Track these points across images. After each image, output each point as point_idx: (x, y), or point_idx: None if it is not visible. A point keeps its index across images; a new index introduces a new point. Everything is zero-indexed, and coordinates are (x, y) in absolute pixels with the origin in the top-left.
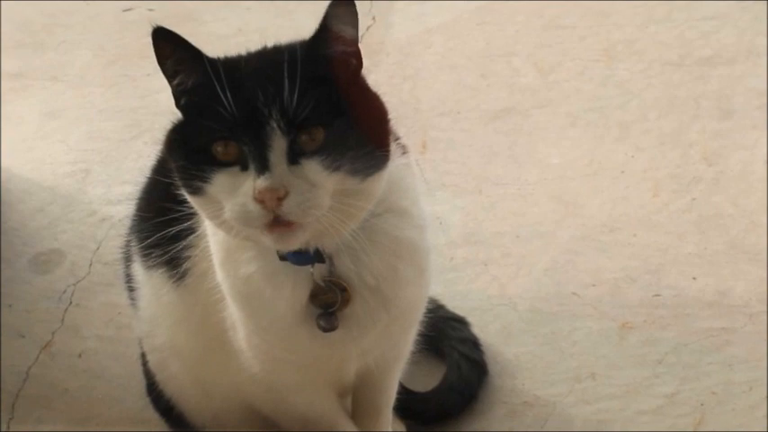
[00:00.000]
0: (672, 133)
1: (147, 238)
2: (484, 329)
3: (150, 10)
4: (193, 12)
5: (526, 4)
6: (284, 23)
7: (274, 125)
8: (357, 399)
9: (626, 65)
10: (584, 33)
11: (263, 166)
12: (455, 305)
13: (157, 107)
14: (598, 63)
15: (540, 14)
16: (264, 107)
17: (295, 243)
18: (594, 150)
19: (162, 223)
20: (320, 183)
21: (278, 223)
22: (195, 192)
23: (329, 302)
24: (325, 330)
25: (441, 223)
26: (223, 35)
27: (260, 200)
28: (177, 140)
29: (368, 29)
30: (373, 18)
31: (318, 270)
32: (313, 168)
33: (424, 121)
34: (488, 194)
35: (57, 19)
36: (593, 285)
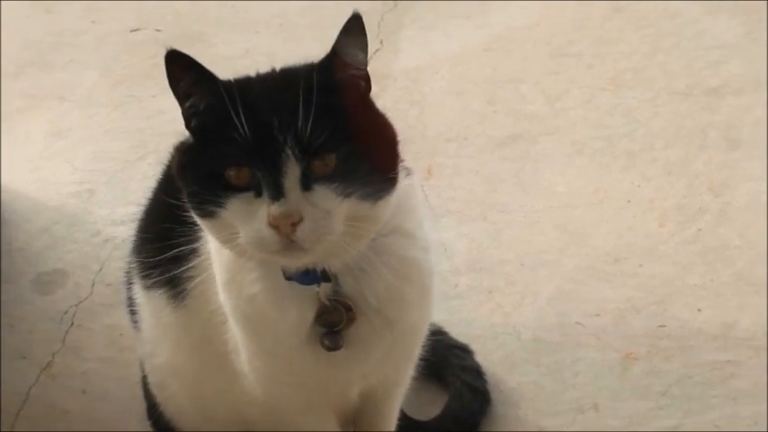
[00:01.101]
0: (678, 163)
1: (148, 258)
2: (487, 358)
3: (158, 31)
4: (201, 34)
5: (533, 31)
6: (292, 48)
7: (289, 152)
8: (358, 423)
9: (633, 93)
10: (591, 61)
11: (278, 193)
12: (459, 332)
13: (163, 128)
14: (605, 91)
15: (547, 42)
16: (279, 134)
17: (305, 261)
18: (601, 179)
19: (162, 243)
20: (333, 208)
21: (291, 251)
22: (208, 216)
23: (334, 322)
24: (330, 349)
25: (445, 250)
26: (230, 57)
27: (275, 226)
28: (188, 164)
29: (375, 53)
30: (381, 42)
31: (324, 289)
32: (326, 194)
33: (430, 146)
34: (493, 221)
35: (64, 38)
36: (598, 315)
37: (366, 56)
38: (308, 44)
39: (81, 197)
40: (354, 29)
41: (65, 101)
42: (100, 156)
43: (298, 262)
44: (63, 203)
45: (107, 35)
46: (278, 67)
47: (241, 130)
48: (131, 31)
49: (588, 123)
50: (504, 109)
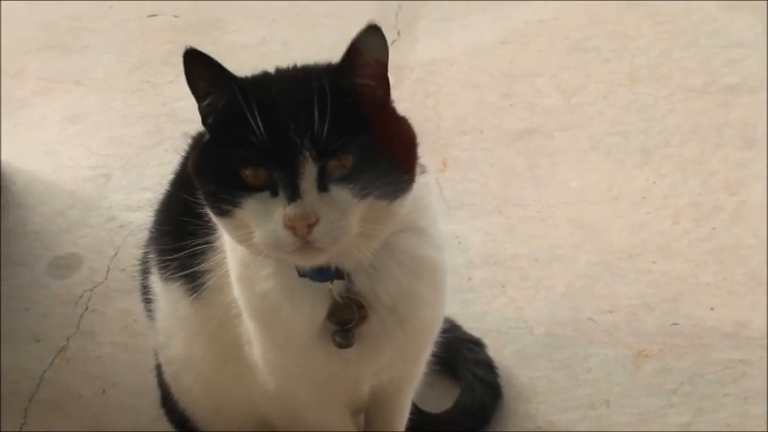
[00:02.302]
0: (694, 160)
1: (166, 250)
2: (499, 352)
3: (175, 16)
4: (218, 20)
5: (551, 25)
6: (308, 36)
7: (306, 154)
8: (370, 417)
9: (649, 90)
10: (608, 56)
11: (294, 194)
12: (471, 326)
13: (180, 115)
14: (621, 87)
15: (564, 36)
16: (297, 136)
17: (320, 260)
18: (615, 175)
19: (180, 237)
20: (349, 209)
21: (307, 251)
22: (223, 214)
23: (346, 319)
24: (342, 347)
25: (459, 243)
26: (247, 45)
27: (290, 226)
28: (204, 163)
29: (392, 44)
30: (398, 33)
31: (336, 287)
32: (342, 195)
33: (445, 138)
34: (508, 216)
35: (82, 22)
36: (610, 312)
37: (386, 59)
38: (324, 33)
39: (96, 182)
40: (370, 36)
41: (81, 85)
42: (116, 141)
43: (313, 262)
44: (78, 188)
45: (125, 20)
46: (297, 63)
47: (258, 132)
48: (149, 16)
49: (604, 119)
50: (520, 102)
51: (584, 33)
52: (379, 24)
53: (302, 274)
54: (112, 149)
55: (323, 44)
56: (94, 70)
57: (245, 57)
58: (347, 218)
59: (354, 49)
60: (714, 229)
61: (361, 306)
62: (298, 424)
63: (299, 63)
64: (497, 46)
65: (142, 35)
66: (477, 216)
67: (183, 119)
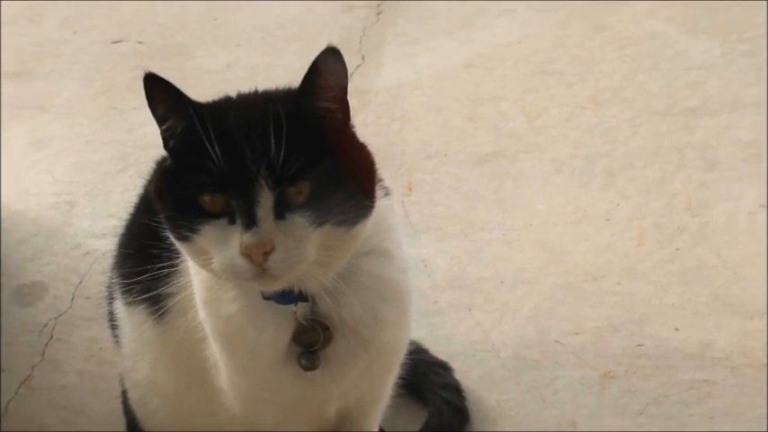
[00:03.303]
0: (657, 182)
1: (129, 274)
2: (466, 375)
3: (139, 43)
4: (183, 46)
5: (515, 48)
6: (274, 61)
7: (262, 182)
8: None
9: (613, 112)
10: (571, 80)
11: (251, 221)
12: (438, 349)
13: (144, 140)
14: (585, 110)
15: (528, 60)
16: (252, 164)
17: (277, 286)
18: (580, 197)
19: (144, 260)
20: (306, 237)
21: (263, 279)
22: (183, 239)
23: (311, 341)
24: (307, 369)
25: (425, 266)
26: (212, 70)
27: (246, 254)
28: (165, 189)
29: (357, 68)
30: (362, 58)
31: (301, 309)
32: (299, 223)
33: (410, 162)
34: (473, 239)
35: (46, 48)
36: (576, 334)
37: (345, 82)
38: (289, 58)
39: (61, 209)
40: (330, 59)
41: (45, 111)
42: (80, 167)
43: (270, 288)
44: (43, 215)
45: (89, 46)
46: (259, 88)
47: (215, 158)
48: (113, 42)
49: (568, 142)
50: (484, 126)
51: (547, 57)
52: (337, 47)
53: (267, 297)
54: (77, 176)
55: (288, 69)
56: (59, 96)
57: (211, 82)
58: (303, 245)
59: (314, 72)
60: (678, 250)
61: (326, 328)
62: None
63: (262, 88)
64: (462, 70)
65: (107, 61)
66: (443, 239)
67: (147, 144)
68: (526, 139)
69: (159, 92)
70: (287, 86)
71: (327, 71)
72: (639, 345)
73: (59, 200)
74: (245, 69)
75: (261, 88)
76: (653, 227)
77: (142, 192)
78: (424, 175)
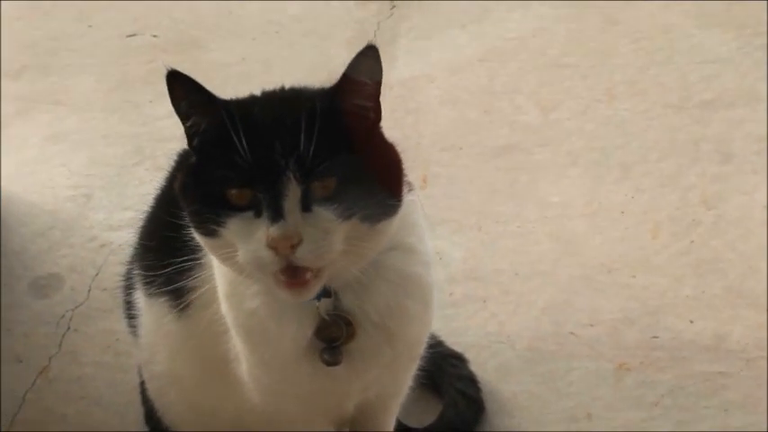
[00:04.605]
0: (672, 175)
1: (151, 267)
2: (481, 367)
3: (154, 36)
4: (198, 40)
5: (529, 42)
6: (288, 55)
7: (290, 175)
8: None
9: (627, 105)
10: (586, 73)
11: (278, 214)
12: (453, 341)
13: (160, 134)
14: (600, 103)
15: (542, 53)
16: (281, 158)
17: (311, 295)
18: (595, 190)
19: (166, 253)
20: (333, 229)
21: (291, 270)
22: (208, 234)
23: (334, 337)
24: (329, 364)
25: (440, 259)
26: (227, 63)
27: (273, 247)
28: (190, 184)
29: None
30: None
31: (324, 304)
32: (326, 216)
33: (425, 155)
34: (488, 231)
35: (61, 42)
36: (591, 326)
37: (379, 83)
38: (304, 52)
39: (77, 201)
40: (369, 57)
41: (61, 105)
42: (96, 160)
43: (302, 297)
44: (59, 208)
45: (104, 40)
46: (285, 86)
47: (242, 153)
48: (128, 36)
49: (583, 135)
50: (499, 119)
51: (562, 50)
52: (376, 45)
53: None
54: (93, 169)
55: (303, 63)
56: (74, 90)
57: (225, 75)
58: (330, 237)
59: (353, 70)
60: (692, 242)
61: (348, 323)
62: None
63: (286, 85)
64: (476, 63)
65: (122, 55)
66: (458, 232)
67: (163, 138)
68: (541, 133)
69: (182, 88)
70: (315, 84)
71: (366, 69)
72: (654, 337)
73: (76, 193)
74: (259, 63)
75: (287, 85)
76: (668, 219)
77: (164, 184)
78: (439, 169)
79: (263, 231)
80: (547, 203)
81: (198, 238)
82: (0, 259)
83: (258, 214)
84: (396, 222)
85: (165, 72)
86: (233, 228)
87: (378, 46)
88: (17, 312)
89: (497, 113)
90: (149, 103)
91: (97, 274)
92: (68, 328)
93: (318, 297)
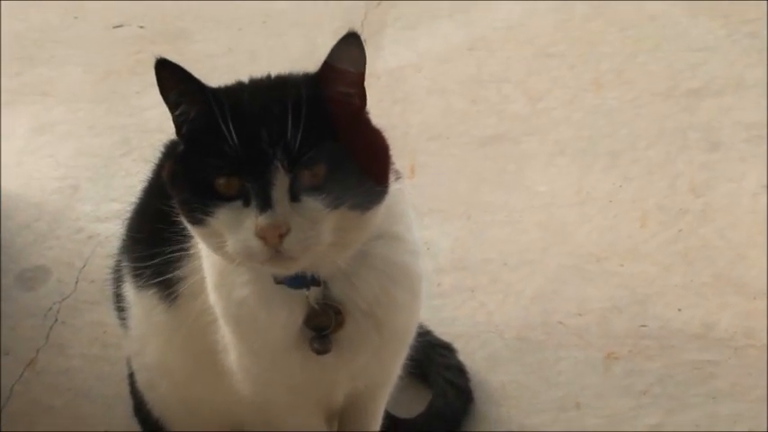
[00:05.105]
0: (660, 164)
1: (140, 258)
2: (470, 356)
3: (141, 27)
4: (185, 30)
5: (516, 31)
6: (275, 45)
7: (278, 164)
8: (344, 422)
9: (615, 94)
10: (573, 62)
11: (266, 204)
12: (442, 331)
13: (147, 125)
14: (587, 92)
15: (530, 42)
16: (269, 147)
17: (293, 269)
18: (583, 179)
19: (155, 244)
20: (321, 219)
21: (278, 261)
22: (197, 223)
23: (323, 325)
24: (319, 353)
25: (428, 249)
26: (213, 54)
27: (261, 236)
28: (179, 173)
29: None
30: (364, 41)
31: (313, 293)
32: (314, 205)
33: (413, 145)
34: (476, 221)
35: (47, 34)
36: (580, 315)
37: (363, 69)
38: (291, 42)
39: (64, 193)
40: (350, 45)
41: (48, 96)
42: (83, 152)
43: (285, 271)
44: (46, 199)
45: (90, 31)
46: (271, 73)
47: (230, 142)
48: (114, 27)
49: (570, 124)
50: (486, 108)
51: (549, 39)
52: (358, 32)
53: (279, 281)
54: (80, 160)
55: (290, 53)
56: (61, 81)
57: (212, 66)
58: (318, 227)
59: (334, 57)
60: (681, 231)
61: (338, 312)
62: (273, 429)
63: (273, 73)
64: (464, 52)
65: (108, 46)
66: (446, 222)
67: (150, 129)
68: (529, 122)
69: (171, 77)
70: (302, 72)
71: (348, 56)
72: (643, 325)
73: (62, 184)
74: (246, 53)
75: (273, 74)
76: (656, 208)
77: (151, 176)
78: (426, 158)
79: (251, 220)
80: (535, 192)
81: (187, 226)
82: None
83: (247, 203)
84: (382, 210)
85: (152, 62)
86: (222, 217)
87: (361, 34)
88: (4, 305)
89: (485, 103)
90: (136, 94)
91: (84, 266)
92: (56, 320)
93: (307, 286)
